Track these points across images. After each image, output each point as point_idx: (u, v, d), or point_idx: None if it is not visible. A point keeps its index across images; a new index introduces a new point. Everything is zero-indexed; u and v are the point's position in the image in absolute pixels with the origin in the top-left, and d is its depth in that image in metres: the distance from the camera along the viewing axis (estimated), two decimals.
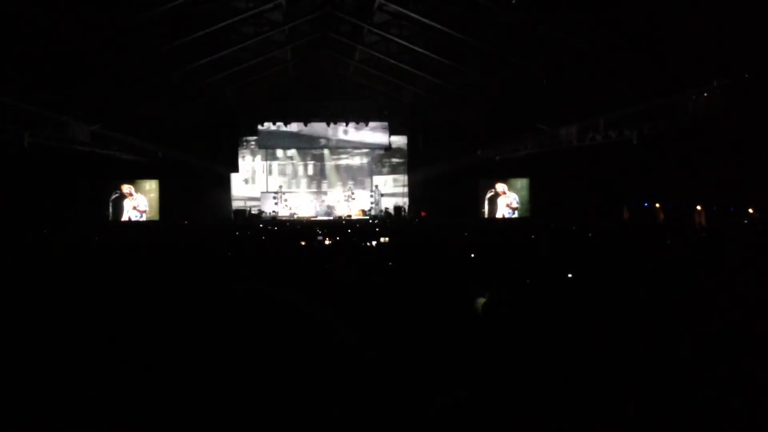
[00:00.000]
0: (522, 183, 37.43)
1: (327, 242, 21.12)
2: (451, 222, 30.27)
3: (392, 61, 29.43)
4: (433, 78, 29.75)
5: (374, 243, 20.74)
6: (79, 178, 29.92)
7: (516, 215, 36.77)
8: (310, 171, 40.63)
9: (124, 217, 35.27)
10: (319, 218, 35.65)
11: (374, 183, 39.90)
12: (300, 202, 38.97)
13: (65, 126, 22.99)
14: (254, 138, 39.12)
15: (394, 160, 40.42)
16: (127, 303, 8.19)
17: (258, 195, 39.32)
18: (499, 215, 36.80)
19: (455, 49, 26.63)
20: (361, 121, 37.86)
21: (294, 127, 38.18)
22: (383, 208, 38.74)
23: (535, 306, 7.23)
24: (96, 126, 25.78)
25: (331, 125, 37.76)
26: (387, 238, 21.75)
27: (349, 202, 39.06)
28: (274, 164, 40.40)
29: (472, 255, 16.06)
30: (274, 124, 38.00)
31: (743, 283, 9.80)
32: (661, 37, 20.08)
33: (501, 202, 37.74)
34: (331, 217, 36.83)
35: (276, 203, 38.25)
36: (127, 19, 21.13)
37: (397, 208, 37.92)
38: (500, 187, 37.68)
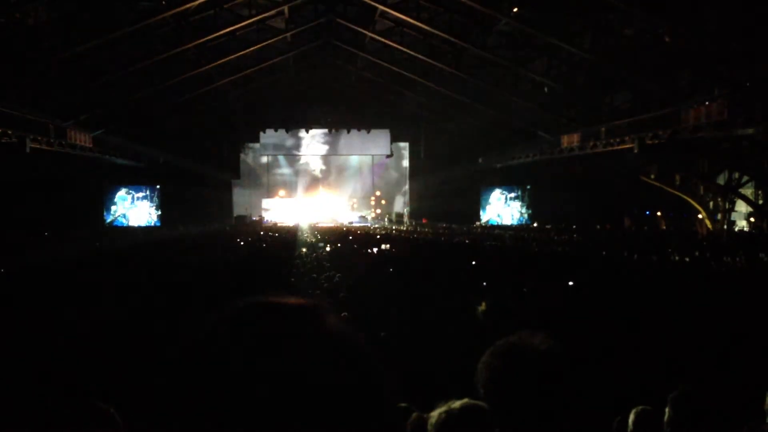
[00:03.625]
0: (523, 191, 37.44)
1: (328, 249, 21.14)
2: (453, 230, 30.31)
3: (394, 69, 29.48)
4: (434, 85, 29.80)
5: (375, 250, 20.78)
6: (81, 183, 29.97)
7: (517, 223, 36.76)
8: (311, 178, 40.69)
9: (125, 221, 35.31)
10: (320, 225, 35.65)
11: (375, 190, 39.96)
12: (301, 209, 38.99)
13: (67, 132, 23.05)
14: (256, 144, 39.21)
15: (395, 166, 40.49)
16: (128, 303, 8.20)
17: (259, 201, 39.39)
18: (500, 222, 36.78)
19: (457, 57, 26.70)
20: (363, 129, 37.96)
21: (295, 133, 38.27)
22: (385, 214, 38.77)
23: (533, 312, 7.24)
24: (98, 132, 25.84)
25: (333, 132, 37.83)
26: (388, 245, 21.81)
27: (350, 209, 39.12)
28: (275, 171, 40.48)
29: (473, 263, 16.07)
30: (275, 130, 38.09)
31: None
32: (663, 46, 20.15)
33: (502, 209, 37.76)
34: (332, 224, 36.82)
35: (277, 210, 38.32)
36: (131, 26, 21.20)
37: (398, 215, 37.94)
38: (501, 194, 37.72)
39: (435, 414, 1.79)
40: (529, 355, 1.40)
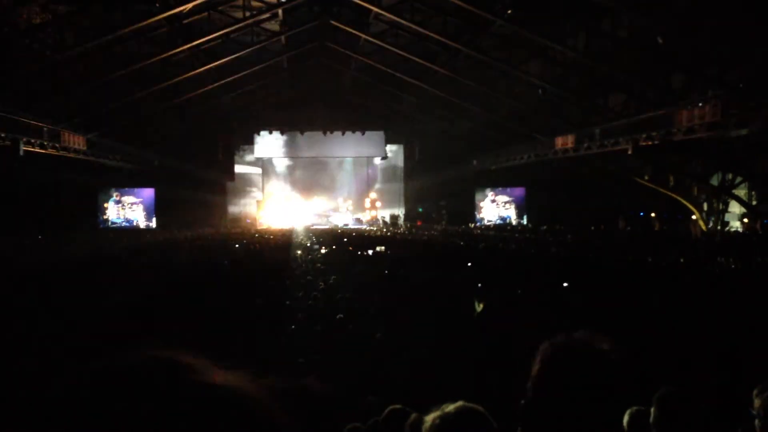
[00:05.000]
0: (518, 192, 37.54)
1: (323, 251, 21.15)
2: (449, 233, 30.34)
3: (388, 71, 29.49)
4: (429, 87, 29.82)
5: (370, 252, 20.80)
6: (75, 186, 29.89)
7: (511, 224, 36.82)
8: (306, 180, 40.64)
9: (119, 224, 35.23)
10: (314, 227, 35.62)
11: (370, 192, 39.95)
12: (295, 211, 38.93)
13: (61, 134, 22.97)
14: (251, 146, 39.16)
15: (390, 168, 40.49)
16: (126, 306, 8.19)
17: (254, 203, 39.34)
18: (495, 224, 36.84)
19: (451, 59, 26.73)
20: (358, 130, 37.95)
21: (290, 136, 38.23)
22: (379, 216, 38.77)
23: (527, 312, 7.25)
24: (92, 134, 25.76)
25: (328, 134, 37.83)
26: (383, 247, 21.83)
27: (345, 211, 39.11)
28: (270, 173, 40.42)
29: (469, 264, 16.09)
30: (270, 132, 38.04)
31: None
32: (657, 48, 20.22)
33: (497, 211, 37.84)
34: (327, 226, 36.77)
35: (272, 212, 38.26)
36: (124, 29, 21.16)
37: (393, 217, 37.94)
38: (496, 196, 37.81)
39: (429, 418, 1.77)
40: (593, 357, 1.40)
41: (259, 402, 0.64)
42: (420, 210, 37.58)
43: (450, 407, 1.76)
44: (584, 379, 1.36)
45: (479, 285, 10.43)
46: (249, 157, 39.85)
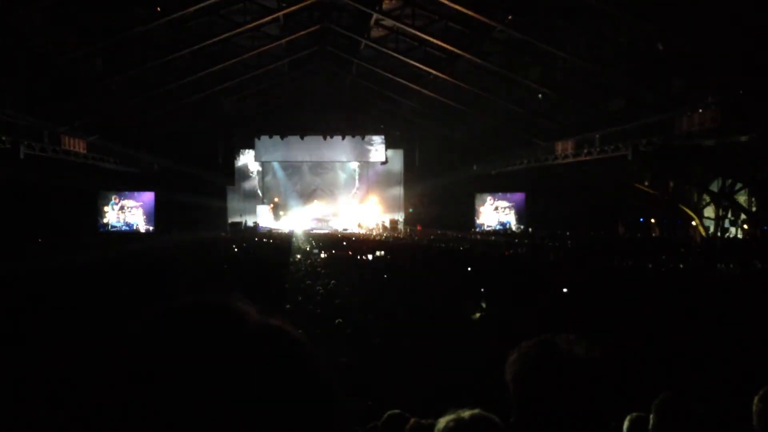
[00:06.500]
0: (518, 197, 37.51)
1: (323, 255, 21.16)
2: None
3: (389, 75, 29.52)
4: (429, 92, 29.85)
5: (370, 257, 20.81)
6: (75, 189, 29.87)
7: (511, 230, 36.80)
8: (306, 184, 40.63)
9: (119, 228, 35.23)
10: (315, 231, 35.57)
11: (370, 197, 39.92)
12: (296, 216, 38.89)
13: (61, 138, 22.97)
14: (251, 150, 39.16)
15: (390, 173, 40.47)
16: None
17: (253, 207, 39.30)
18: (494, 229, 36.82)
19: (451, 64, 26.76)
20: (358, 135, 37.94)
21: (290, 140, 38.22)
22: (379, 221, 38.71)
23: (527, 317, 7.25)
24: (93, 137, 25.76)
25: (327, 138, 37.82)
26: (383, 252, 21.86)
27: (345, 216, 39.05)
28: (270, 177, 40.41)
29: (468, 269, 16.09)
30: (270, 137, 38.02)
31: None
32: (657, 53, 20.26)
33: (496, 216, 37.82)
34: (327, 231, 36.72)
35: (271, 216, 38.22)
36: (126, 32, 21.20)
37: (393, 221, 37.89)
38: (496, 201, 37.78)
39: (443, 421, 1.75)
40: (567, 357, 1.40)
41: (301, 341, 0.70)
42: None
43: (466, 413, 1.74)
44: (558, 380, 1.37)
45: (480, 290, 10.43)
46: (249, 161, 39.85)
